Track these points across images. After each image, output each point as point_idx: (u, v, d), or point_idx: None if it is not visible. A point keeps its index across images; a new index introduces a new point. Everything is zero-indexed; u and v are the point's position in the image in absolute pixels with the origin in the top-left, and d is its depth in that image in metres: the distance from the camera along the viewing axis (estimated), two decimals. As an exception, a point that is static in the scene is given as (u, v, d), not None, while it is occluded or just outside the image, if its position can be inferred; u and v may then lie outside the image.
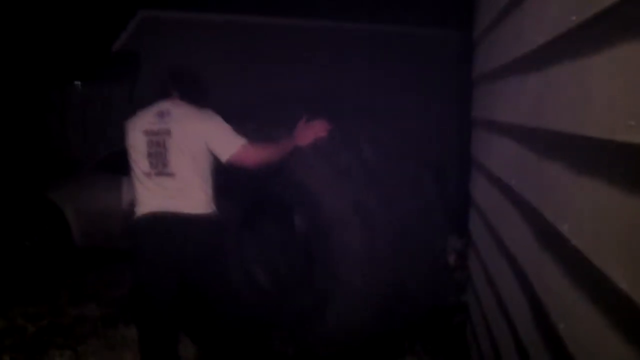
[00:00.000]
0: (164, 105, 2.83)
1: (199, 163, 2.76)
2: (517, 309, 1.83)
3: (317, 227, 2.84)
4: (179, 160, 2.72)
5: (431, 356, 3.17)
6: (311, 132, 2.81)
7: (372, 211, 2.72)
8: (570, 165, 1.29)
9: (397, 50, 8.12)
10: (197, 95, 2.93)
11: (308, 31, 8.61)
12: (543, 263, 1.49)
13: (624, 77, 0.99)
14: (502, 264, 2.08)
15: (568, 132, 1.29)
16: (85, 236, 5.35)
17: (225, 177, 3.08)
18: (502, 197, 2.09)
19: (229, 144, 2.75)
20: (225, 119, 2.80)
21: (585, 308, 1.15)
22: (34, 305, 4.42)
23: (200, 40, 8.87)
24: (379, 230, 2.72)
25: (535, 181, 1.60)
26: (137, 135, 2.79)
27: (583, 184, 1.19)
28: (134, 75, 10.00)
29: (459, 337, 3.14)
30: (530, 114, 1.63)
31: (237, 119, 2.81)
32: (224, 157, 2.75)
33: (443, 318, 3.33)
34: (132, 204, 2.84)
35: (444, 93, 7.54)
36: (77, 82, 10.78)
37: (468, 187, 3.15)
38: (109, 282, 4.91)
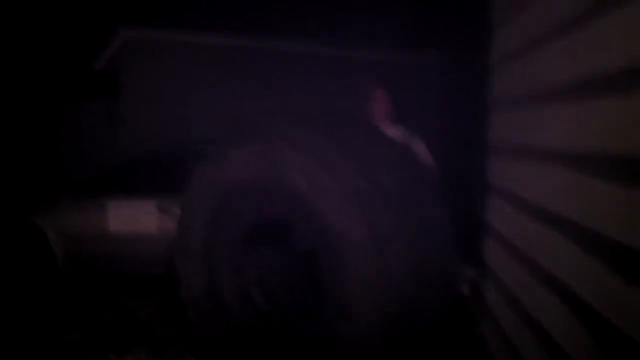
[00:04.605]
0: None
1: None
2: (567, 337, 1.79)
3: (327, 251, 2.76)
4: None
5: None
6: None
7: (386, 236, 2.66)
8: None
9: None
10: None
11: (295, 54, 8.76)
12: (614, 288, 1.45)
13: None
14: (542, 293, 2.04)
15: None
16: (69, 260, 5.22)
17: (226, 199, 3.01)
18: (542, 225, 2.06)
19: None
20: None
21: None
22: (18, 330, 4.20)
23: (183, 61, 8.87)
24: (392, 255, 2.66)
25: (596, 207, 1.57)
26: None
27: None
28: (115, 95, 9.86)
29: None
30: (596, 139, 1.61)
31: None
32: None
33: (456, 349, 3.26)
34: None
35: (441, 117, 7.69)
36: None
37: (480, 216, 3.13)
38: (95, 307, 4.73)
